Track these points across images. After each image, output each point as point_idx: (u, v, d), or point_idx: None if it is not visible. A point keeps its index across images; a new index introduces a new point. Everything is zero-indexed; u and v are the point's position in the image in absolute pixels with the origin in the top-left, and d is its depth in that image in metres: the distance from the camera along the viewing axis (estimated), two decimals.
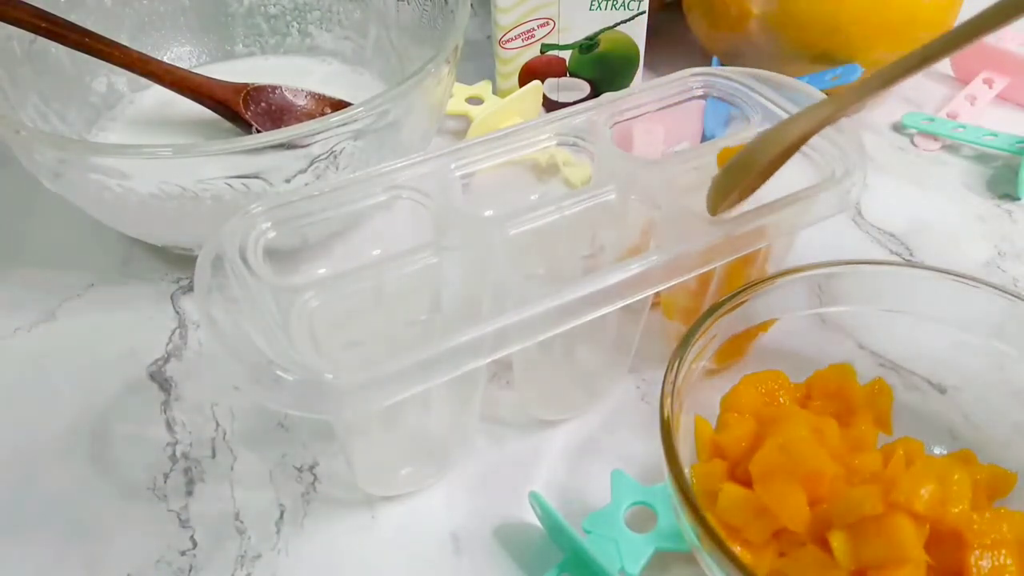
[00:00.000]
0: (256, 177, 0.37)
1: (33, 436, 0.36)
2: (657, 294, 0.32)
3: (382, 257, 0.31)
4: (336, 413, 0.28)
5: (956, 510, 0.26)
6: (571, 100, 0.52)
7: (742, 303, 0.32)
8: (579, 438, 0.35)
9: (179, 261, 0.44)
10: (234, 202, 0.37)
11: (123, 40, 0.46)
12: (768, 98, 0.37)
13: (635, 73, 0.52)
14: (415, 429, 0.34)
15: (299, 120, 0.45)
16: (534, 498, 0.31)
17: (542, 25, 0.49)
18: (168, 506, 0.33)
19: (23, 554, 0.32)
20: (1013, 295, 0.31)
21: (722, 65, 0.45)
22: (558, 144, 0.36)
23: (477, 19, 0.58)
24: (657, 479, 0.31)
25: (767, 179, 0.31)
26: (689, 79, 0.38)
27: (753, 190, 0.31)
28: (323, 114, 0.42)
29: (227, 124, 0.47)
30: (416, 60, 0.47)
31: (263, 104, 0.47)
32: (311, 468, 0.35)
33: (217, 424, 0.36)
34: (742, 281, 0.33)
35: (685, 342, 0.30)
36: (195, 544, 0.32)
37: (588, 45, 0.50)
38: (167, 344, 0.40)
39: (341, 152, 0.37)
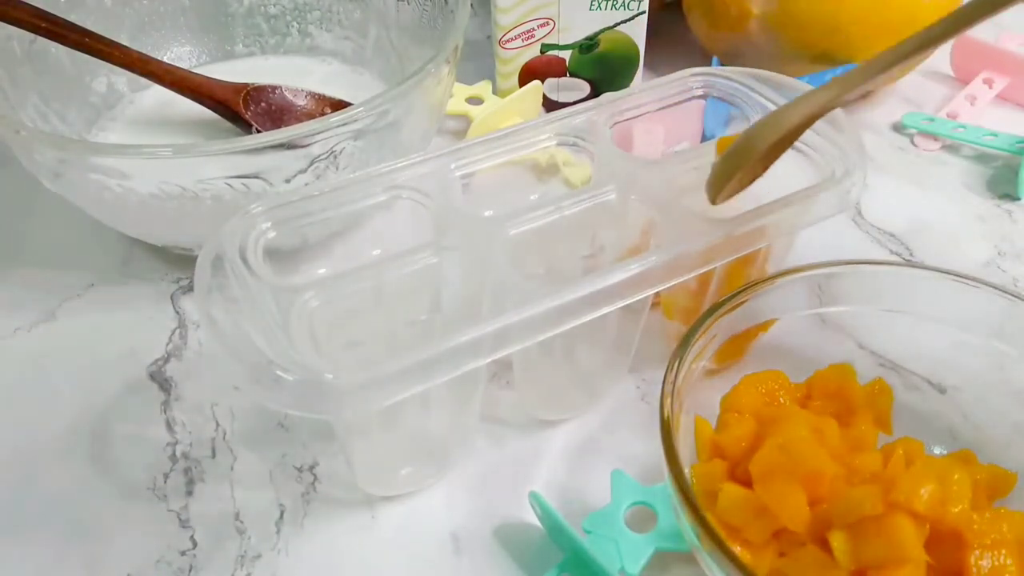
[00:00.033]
0: (256, 177, 0.37)
1: (33, 436, 0.36)
2: (657, 294, 0.32)
3: (382, 257, 0.31)
4: (336, 413, 0.28)
5: (956, 510, 0.26)
6: (571, 100, 0.52)
7: (742, 303, 0.32)
8: (579, 438, 0.35)
9: (179, 261, 0.44)
10: (234, 202, 0.37)
11: (123, 40, 0.46)
12: (768, 98, 0.37)
13: (635, 73, 0.52)
14: (415, 429, 0.34)
15: (299, 120, 0.45)
16: (534, 498, 0.31)
17: (542, 25, 0.49)
18: (168, 506, 0.33)
19: (23, 554, 0.32)
20: (1013, 295, 0.31)
21: (722, 65, 0.45)
22: (558, 144, 0.36)
23: (477, 19, 0.58)
24: (657, 479, 0.31)
25: (768, 166, 0.30)
26: (689, 79, 0.38)
27: (754, 178, 0.31)
28: (323, 114, 0.42)
29: (227, 124, 0.47)
30: (416, 60, 0.47)
31: (263, 104, 0.47)
32: (311, 468, 0.35)
33: (217, 424, 0.36)
34: (742, 281, 0.33)
35: (685, 342, 0.30)
36: (195, 544, 0.32)
37: (588, 45, 0.50)
38: (167, 344, 0.40)
39: (341, 152, 0.37)
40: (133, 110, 0.50)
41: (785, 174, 0.31)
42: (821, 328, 0.35)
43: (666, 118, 0.39)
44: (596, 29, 0.49)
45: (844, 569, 0.26)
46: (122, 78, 0.49)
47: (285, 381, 0.25)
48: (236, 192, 0.37)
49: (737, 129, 0.38)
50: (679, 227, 0.32)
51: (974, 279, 0.32)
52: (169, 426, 0.36)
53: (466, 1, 0.42)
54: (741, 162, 0.29)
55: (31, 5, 0.42)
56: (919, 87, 0.55)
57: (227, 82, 0.47)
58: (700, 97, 0.39)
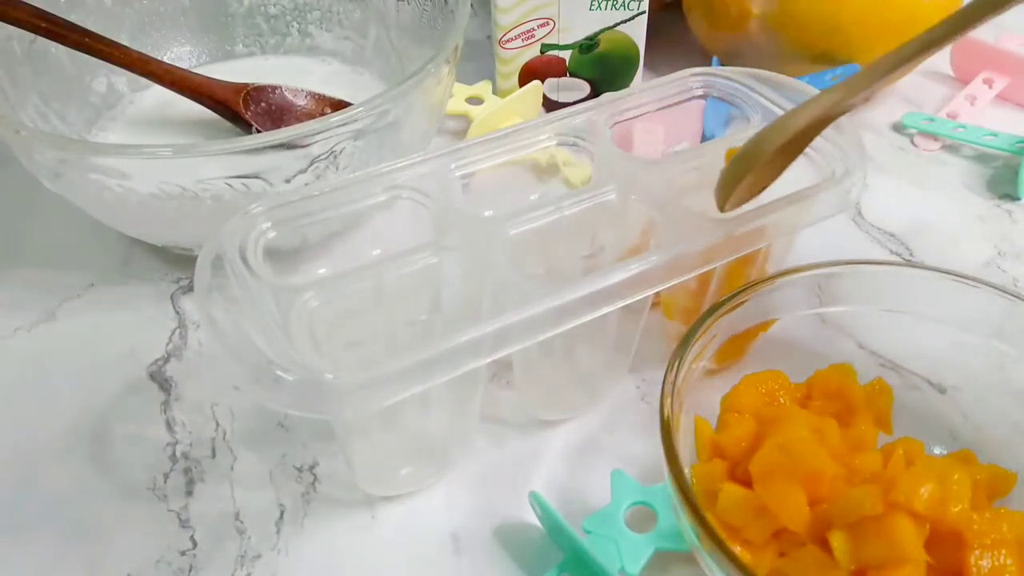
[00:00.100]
0: (256, 177, 0.37)
1: (33, 436, 0.36)
2: (657, 294, 0.32)
3: (382, 257, 0.31)
4: (336, 413, 0.28)
5: (956, 510, 0.26)
6: (571, 100, 0.52)
7: (742, 303, 0.32)
8: (579, 438, 0.35)
9: (179, 261, 0.44)
10: (234, 202, 0.37)
11: (123, 40, 0.46)
12: (768, 98, 0.37)
13: (635, 73, 0.52)
14: (415, 429, 0.34)
15: (299, 120, 0.45)
16: (534, 498, 0.31)
17: (542, 25, 0.49)
18: (168, 506, 0.33)
19: (23, 554, 0.32)
20: (1013, 295, 0.31)
21: (722, 65, 0.45)
22: (558, 144, 0.36)
23: (477, 19, 0.58)
24: (657, 479, 0.31)
25: (779, 173, 0.30)
26: (689, 79, 0.38)
27: (765, 185, 0.31)
28: (323, 114, 0.42)
29: (227, 124, 0.47)
30: (416, 60, 0.47)
31: (263, 104, 0.47)
32: (311, 468, 0.35)
33: (217, 424, 0.36)
34: (742, 281, 0.33)
35: (685, 342, 0.30)
36: (195, 544, 0.32)
37: (588, 45, 0.50)
38: (167, 344, 0.40)
39: (341, 152, 0.37)
40: (133, 110, 0.50)
41: (785, 174, 0.31)
42: (821, 328, 0.35)
43: (666, 118, 0.39)
44: (596, 29, 0.49)
45: (844, 569, 0.26)
46: (122, 78, 0.49)
47: (285, 381, 0.25)
48: (236, 192, 0.37)
49: (737, 129, 0.38)
50: (679, 227, 0.32)
51: (974, 279, 0.32)
52: (169, 426, 0.36)
53: (466, 1, 0.42)
54: (749, 166, 0.29)
55: (31, 5, 0.42)
56: (919, 87, 0.55)
57: (227, 82, 0.47)
58: (700, 97, 0.39)
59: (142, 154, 0.35)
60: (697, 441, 0.30)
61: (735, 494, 0.28)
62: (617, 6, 0.48)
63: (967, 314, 0.32)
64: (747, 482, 0.28)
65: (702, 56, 0.55)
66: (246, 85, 0.47)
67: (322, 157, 0.37)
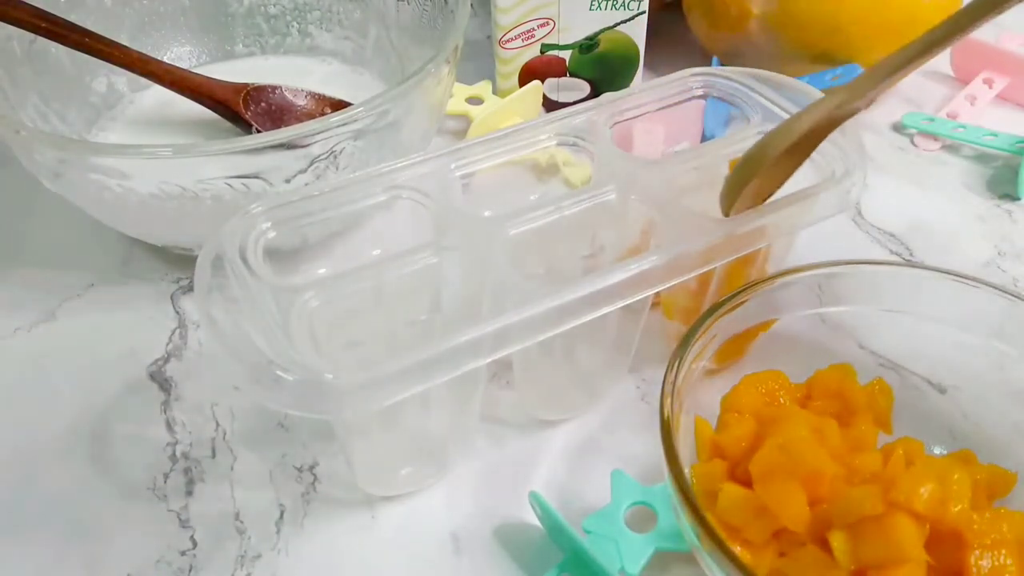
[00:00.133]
0: (256, 177, 0.37)
1: (33, 436, 0.36)
2: (657, 294, 0.32)
3: (382, 257, 0.31)
4: (336, 413, 0.28)
5: (956, 510, 0.26)
6: (571, 100, 0.52)
7: (742, 303, 0.32)
8: (579, 438, 0.35)
9: (179, 261, 0.44)
10: (234, 202, 0.37)
11: (123, 40, 0.46)
12: (768, 98, 0.37)
13: (635, 73, 0.52)
14: (415, 429, 0.34)
15: (299, 120, 0.45)
16: (534, 498, 0.31)
17: (542, 25, 0.49)
18: (168, 506, 0.33)
19: (23, 554, 0.32)
20: (1013, 295, 0.31)
21: (722, 65, 0.45)
22: (558, 144, 0.36)
23: (477, 19, 0.58)
24: (657, 479, 0.31)
25: (785, 179, 0.30)
26: (689, 79, 0.38)
27: (771, 191, 0.31)
28: (323, 114, 0.42)
29: (227, 124, 0.47)
30: (416, 60, 0.47)
31: (263, 104, 0.47)
32: (311, 468, 0.35)
33: (217, 424, 0.36)
34: (742, 281, 0.33)
35: (685, 342, 0.30)
36: (195, 544, 0.32)
37: (588, 45, 0.50)
38: (167, 344, 0.40)
39: (341, 152, 0.37)
40: (133, 110, 0.50)
41: None
42: (821, 328, 0.35)
43: (666, 118, 0.39)
44: (596, 29, 0.49)
45: (844, 569, 0.26)
46: (122, 78, 0.49)
47: (285, 381, 0.25)
48: (236, 192, 0.37)
49: (737, 129, 0.38)
50: (679, 227, 0.32)
51: (974, 279, 0.32)
52: (169, 426, 0.36)
53: (466, 1, 0.42)
54: (753, 170, 0.29)
55: (31, 5, 0.42)
56: (919, 87, 0.55)
57: (227, 82, 0.47)
58: (700, 97, 0.39)
59: (142, 154, 0.35)
60: (697, 441, 0.30)
61: (735, 494, 0.28)
62: (617, 6, 0.48)
63: (967, 314, 0.32)
64: (747, 482, 0.28)
65: (702, 56, 0.55)
66: (246, 85, 0.47)
67: (322, 157, 0.37)
